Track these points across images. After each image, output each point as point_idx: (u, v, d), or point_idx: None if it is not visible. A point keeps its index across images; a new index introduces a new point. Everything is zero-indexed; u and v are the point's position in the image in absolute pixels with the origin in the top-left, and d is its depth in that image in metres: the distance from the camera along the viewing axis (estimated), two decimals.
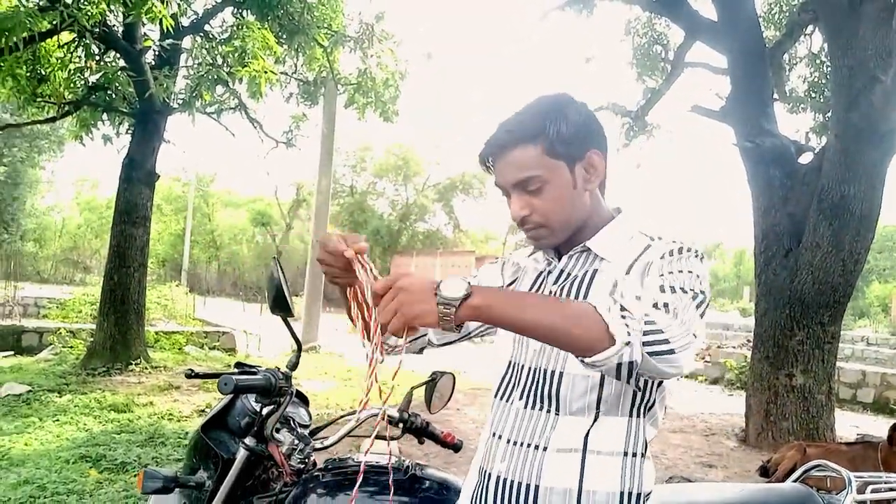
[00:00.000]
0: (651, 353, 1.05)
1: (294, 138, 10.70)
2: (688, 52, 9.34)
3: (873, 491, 1.92)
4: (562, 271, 1.35)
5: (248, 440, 1.79)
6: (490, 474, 1.29)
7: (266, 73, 7.50)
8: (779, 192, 6.57)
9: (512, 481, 1.24)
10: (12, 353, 9.79)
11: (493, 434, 1.32)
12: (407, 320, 1.04)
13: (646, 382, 1.24)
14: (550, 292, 1.33)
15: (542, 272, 1.41)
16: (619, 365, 1.04)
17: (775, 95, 8.19)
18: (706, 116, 7.62)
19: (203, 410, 6.75)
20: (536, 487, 1.21)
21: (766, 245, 6.61)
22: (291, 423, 1.91)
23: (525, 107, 1.31)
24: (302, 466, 1.85)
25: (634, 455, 1.24)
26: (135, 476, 4.67)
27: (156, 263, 31.58)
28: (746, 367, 9.51)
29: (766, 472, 5.38)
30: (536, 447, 1.24)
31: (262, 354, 11.77)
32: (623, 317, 1.06)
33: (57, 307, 13.48)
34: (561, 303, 1.15)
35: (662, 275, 1.19)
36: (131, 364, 8.48)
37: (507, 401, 1.32)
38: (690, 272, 1.20)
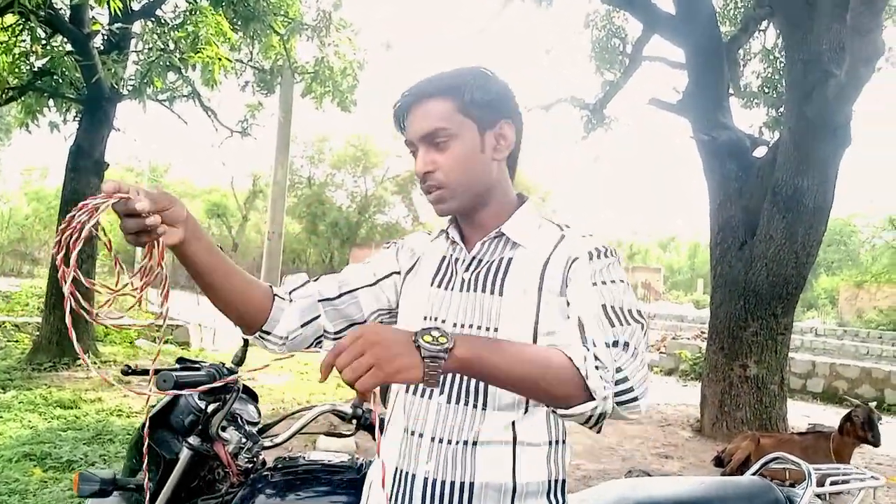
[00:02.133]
0: (619, 403, 1.07)
1: (249, 127, 10.49)
2: (646, 46, 9.38)
3: (832, 483, 1.91)
4: (474, 258, 1.29)
5: (192, 439, 1.71)
6: (414, 475, 1.20)
7: (220, 59, 7.30)
8: (734, 184, 6.65)
9: (443, 482, 1.17)
10: None
11: (411, 433, 1.23)
12: (386, 377, 0.93)
13: None
14: (463, 280, 1.26)
15: (445, 258, 1.34)
16: (590, 416, 1.05)
17: (731, 90, 8.28)
18: (664, 109, 7.67)
19: (153, 406, 6.58)
20: (471, 484, 1.16)
21: (722, 237, 6.68)
22: (239, 420, 1.84)
23: (432, 74, 1.28)
24: (250, 466, 1.77)
25: (558, 442, 1.23)
26: None
27: (107, 256, 30.80)
28: (701, 358, 9.65)
29: (721, 462, 5.46)
30: (466, 443, 1.18)
31: (218, 348, 11.54)
32: (597, 368, 1.05)
33: (2, 300, 13.04)
34: (538, 353, 1.08)
35: (596, 284, 1.17)
36: (78, 359, 8.21)
37: (423, 396, 1.23)
38: (623, 283, 1.20)
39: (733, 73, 9.06)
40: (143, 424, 1.72)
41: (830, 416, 8.06)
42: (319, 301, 1.35)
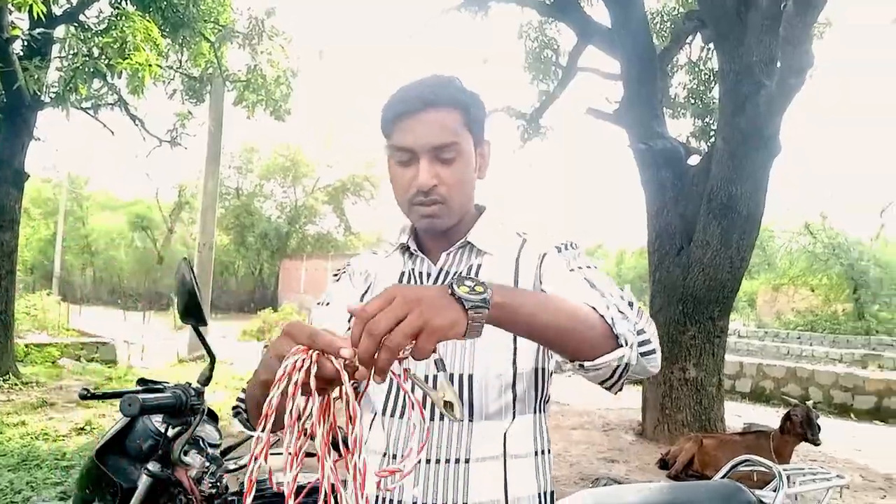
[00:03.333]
0: (641, 354, 1.04)
1: (179, 137, 10.18)
2: (580, 57, 9.53)
3: (801, 483, 1.93)
4: (441, 269, 1.24)
5: (152, 465, 1.60)
6: (400, 502, 1.12)
7: (150, 66, 7.04)
8: (670, 192, 6.80)
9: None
10: None
11: (393, 456, 1.14)
12: (439, 334, 0.82)
13: (546, 375, 1.21)
14: None
15: (406, 273, 1.27)
16: (617, 367, 1.00)
17: (662, 100, 8.49)
18: (601, 119, 7.79)
19: (82, 429, 6.26)
20: None
21: (660, 244, 6.82)
22: (200, 443, 1.73)
23: (433, 77, 1.21)
24: (214, 491, 1.67)
25: (544, 452, 1.19)
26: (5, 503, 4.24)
27: (23, 271, 29.42)
28: None
29: (665, 464, 5.54)
30: (457, 461, 1.11)
31: (147, 365, 11.11)
32: (621, 314, 1.02)
33: None
34: (564, 301, 1.01)
35: (574, 270, 1.16)
36: None
37: (401, 417, 1.15)
38: (597, 268, 1.19)
39: (663, 84, 9.30)
40: (104, 448, 1.61)
41: (761, 415, 8.33)
42: None
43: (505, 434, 1.13)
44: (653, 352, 1.06)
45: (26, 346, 9.86)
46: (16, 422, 6.37)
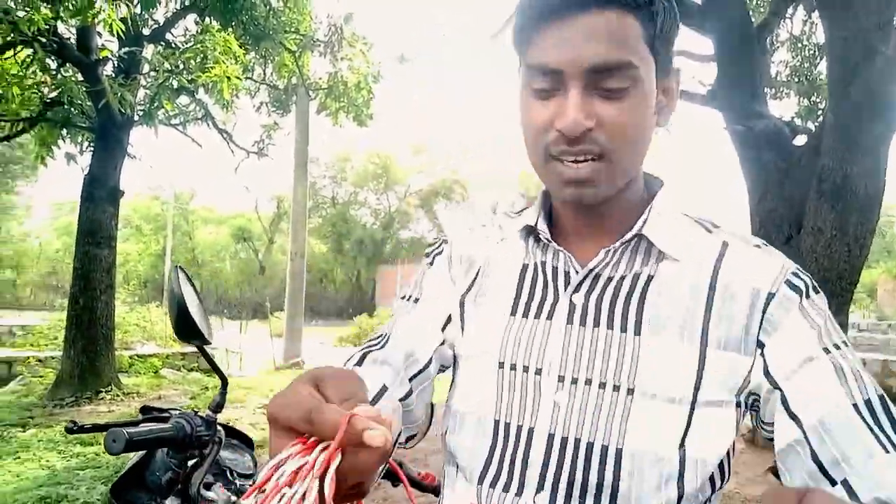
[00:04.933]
0: None
1: (266, 148, 10.33)
2: None
3: None
4: (591, 272, 0.83)
5: (171, 501, 1.40)
6: None
7: (229, 78, 7.10)
8: (774, 175, 6.25)
9: None
10: None
11: None
12: None
13: (732, 457, 0.82)
14: (572, 307, 0.82)
15: (530, 267, 0.88)
16: None
17: (762, 79, 7.91)
18: (693, 102, 7.32)
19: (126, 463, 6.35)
20: None
21: (764, 233, 6.28)
22: (228, 474, 1.53)
23: None
24: None
25: None
26: None
27: (137, 284, 31.08)
28: None
29: (777, 474, 5.07)
30: None
31: (245, 373, 11.34)
32: None
33: (29, 335, 12.99)
34: None
35: (830, 351, 0.74)
36: (101, 392, 8.02)
37: (506, 491, 0.80)
38: (848, 345, 0.77)
39: (763, 61, 8.69)
40: (119, 483, 1.44)
41: None
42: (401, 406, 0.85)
43: None
44: None
45: (130, 357, 10.22)
46: None
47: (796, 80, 10.14)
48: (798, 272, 0.80)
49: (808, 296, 0.78)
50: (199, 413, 1.31)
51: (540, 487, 0.77)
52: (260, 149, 10.17)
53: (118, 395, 8.09)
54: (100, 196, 8.19)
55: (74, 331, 8.15)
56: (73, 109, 8.06)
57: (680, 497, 0.76)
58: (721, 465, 0.78)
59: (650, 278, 0.81)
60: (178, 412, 1.32)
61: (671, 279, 0.81)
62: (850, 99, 5.28)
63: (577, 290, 0.83)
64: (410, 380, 0.86)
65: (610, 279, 0.82)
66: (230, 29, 8.08)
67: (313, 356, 13.59)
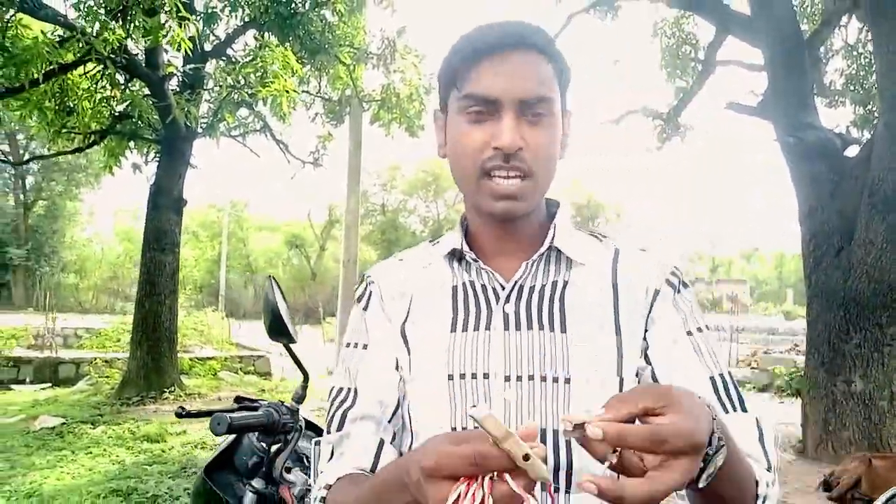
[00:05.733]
0: None
1: (321, 158, 10.64)
2: (719, 50, 9.05)
3: None
4: (516, 284, 0.94)
5: (256, 482, 1.60)
6: None
7: (287, 92, 7.40)
8: (825, 187, 6.24)
9: None
10: (49, 384, 9.82)
11: None
12: (689, 477, 0.63)
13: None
14: (505, 316, 0.93)
15: (459, 287, 0.98)
16: None
17: (814, 89, 7.87)
18: (743, 113, 7.34)
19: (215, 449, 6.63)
20: None
21: (815, 245, 6.27)
22: (304, 460, 1.72)
23: (517, 21, 0.93)
24: None
25: None
26: None
27: (193, 290, 31.94)
28: (797, 372, 9.12)
29: (829, 486, 5.05)
30: None
31: (297, 377, 11.66)
32: (769, 489, 0.83)
33: (95, 336, 13.56)
34: (744, 464, 0.80)
35: (691, 332, 0.92)
36: (165, 392, 8.41)
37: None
38: (709, 329, 0.95)
39: (815, 72, 8.63)
40: (211, 466, 1.64)
41: None
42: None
43: None
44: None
45: (190, 359, 10.63)
46: (178, 431, 6.85)
47: (851, 88, 10.02)
48: (675, 271, 0.96)
49: (679, 291, 0.94)
50: (284, 403, 1.51)
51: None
52: (315, 159, 10.49)
53: (180, 396, 8.46)
54: (165, 205, 8.60)
55: (140, 333, 8.56)
56: (140, 122, 8.48)
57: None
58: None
59: (566, 283, 0.94)
60: (266, 402, 1.52)
61: (582, 282, 0.94)
62: None
63: (507, 301, 0.93)
64: (389, 421, 0.95)
65: (532, 288, 0.94)
66: (287, 43, 8.41)
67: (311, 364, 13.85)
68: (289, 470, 1.64)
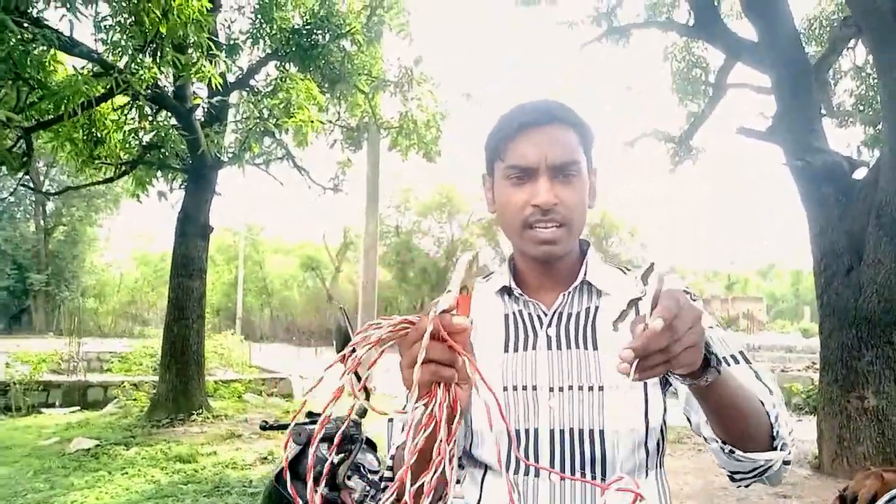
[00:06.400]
0: (783, 462, 1.02)
1: (340, 183, 10.91)
2: (730, 74, 9.26)
3: None
4: (556, 312, 1.15)
5: (321, 488, 1.81)
6: None
7: (311, 122, 7.68)
8: (834, 209, 6.42)
9: None
10: (79, 408, 10.06)
11: None
12: (697, 360, 0.82)
13: (666, 428, 1.14)
14: (548, 338, 1.13)
15: (511, 316, 1.18)
16: (759, 467, 1.00)
17: (823, 111, 8.06)
18: (752, 138, 7.52)
19: (265, 458, 6.82)
20: None
21: (826, 264, 6.44)
22: (361, 469, 1.93)
23: (546, 99, 1.17)
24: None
25: None
26: None
27: (210, 313, 32.18)
28: (813, 390, 9.22)
29: (844, 501, 5.17)
30: None
31: (318, 398, 11.83)
32: (784, 423, 1.00)
33: (119, 361, 13.80)
34: (749, 388, 0.99)
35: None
36: (193, 414, 8.63)
37: (526, 475, 1.07)
38: (720, 327, 1.15)
39: (824, 94, 8.82)
40: (280, 473, 1.85)
41: None
42: None
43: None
44: (789, 463, 1.03)
45: (215, 382, 10.85)
46: (208, 451, 7.06)
47: (860, 108, 10.17)
48: (686, 289, 1.13)
49: (692, 300, 1.10)
50: (350, 417, 1.73)
51: (552, 467, 1.06)
52: (335, 185, 10.75)
53: (208, 418, 8.68)
54: (192, 232, 8.88)
55: (169, 357, 8.81)
56: (167, 153, 8.77)
57: (647, 455, 1.09)
58: (662, 430, 1.12)
59: (597, 309, 1.14)
60: (334, 417, 1.74)
61: (610, 308, 1.13)
62: None
63: (549, 325, 1.14)
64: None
65: (570, 314, 1.15)
66: (308, 73, 8.70)
67: (382, 382, 14.04)
68: (349, 477, 1.85)
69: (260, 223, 41.66)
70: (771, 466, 1.00)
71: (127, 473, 6.19)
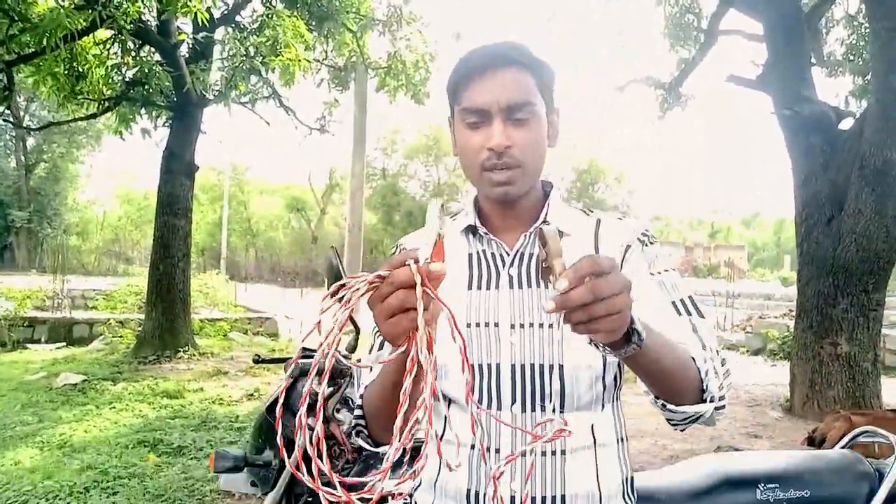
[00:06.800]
0: (715, 408, 1.06)
1: (327, 124, 10.81)
2: (722, 20, 9.16)
3: None
4: (517, 252, 1.17)
5: (311, 420, 1.88)
6: (500, 497, 1.08)
7: (299, 61, 7.57)
8: (819, 159, 6.48)
9: (533, 498, 1.07)
10: (64, 344, 10.13)
11: (487, 449, 1.10)
12: (619, 330, 0.83)
13: (621, 365, 1.17)
14: (510, 277, 1.15)
15: (475, 255, 1.21)
16: (690, 416, 1.04)
17: (813, 60, 8.03)
18: (743, 86, 7.51)
19: (251, 395, 6.94)
20: (563, 497, 1.08)
21: (808, 213, 6.53)
22: (350, 402, 2.00)
23: (503, 41, 1.17)
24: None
25: (625, 439, 1.19)
26: (192, 459, 4.85)
27: (195, 252, 32.15)
28: (789, 337, 9.43)
29: (812, 441, 5.37)
30: (553, 453, 1.09)
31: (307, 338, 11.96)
32: (715, 374, 1.05)
33: (104, 299, 13.84)
34: (677, 348, 1.02)
35: (654, 274, 1.16)
36: (180, 352, 8.71)
37: (489, 408, 1.10)
38: (675, 270, 1.18)
39: (815, 43, 8.77)
40: (272, 405, 1.92)
41: None
42: None
43: (592, 425, 1.12)
44: (723, 408, 1.08)
45: (201, 321, 10.93)
46: (195, 388, 7.17)
47: (851, 58, 10.11)
48: (645, 231, 1.20)
49: (647, 245, 1.18)
50: (340, 352, 1.78)
51: (512, 401, 1.10)
52: (322, 125, 10.65)
53: (194, 355, 8.78)
54: (177, 170, 8.82)
55: (155, 295, 8.84)
56: (151, 89, 8.63)
57: (604, 389, 1.13)
58: (620, 365, 1.16)
59: (561, 234, 1.13)
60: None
61: (570, 248, 1.09)
62: (892, 87, 5.49)
63: (511, 265, 1.17)
64: None
65: (531, 255, 1.17)
66: (296, 10, 8.54)
67: (369, 323, 14.19)
68: (338, 410, 1.91)
69: (245, 163, 41.26)
70: (702, 415, 1.04)
71: (115, 408, 6.29)
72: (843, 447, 2.11)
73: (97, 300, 13.96)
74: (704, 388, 1.03)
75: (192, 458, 4.87)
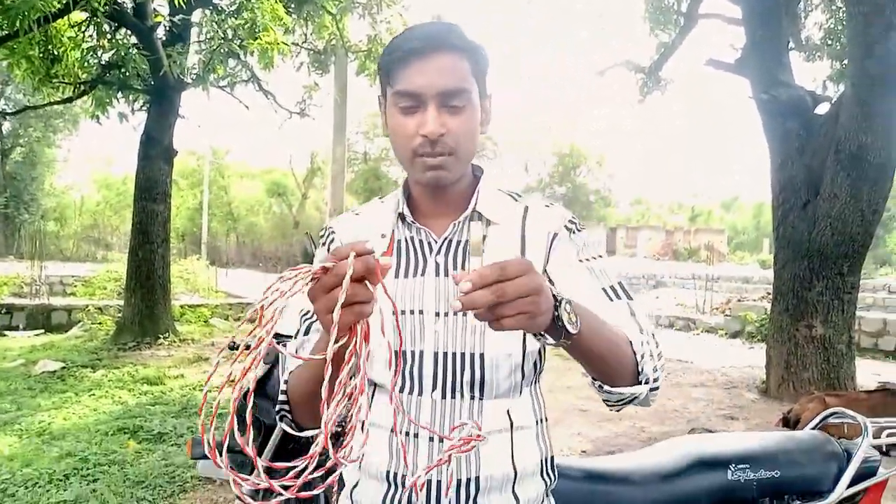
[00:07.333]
0: (650, 389, 1.08)
1: (307, 108, 10.72)
2: (702, 3, 9.20)
3: (889, 435, 1.98)
4: (446, 239, 1.18)
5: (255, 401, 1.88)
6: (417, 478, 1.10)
7: (277, 44, 7.50)
8: (795, 143, 6.54)
9: (448, 481, 1.11)
10: (42, 331, 10.04)
11: (405, 433, 1.12)
12: (529, 328, 0.86)
13: (546, 350, 1.19)
14: (437, 265, 1.16)
15: (403, 241, 1.20)
16: (627, 397, 1.06)
17: (791, 45, 8.09)
18: (722, 70, 7.55)
19: (233, 381, 6.91)
20: (477, 479, 1.11)
21: (784, 197, 6.60)
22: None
23: (438, 22, 1.16)
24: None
25: (544, 420, 1.21)
26: (172, 445, 4.84)
27: (175, 238, 31.88)
28: (766, 319, 9.55)
29: (787, 422, 5.45)
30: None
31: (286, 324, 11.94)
32: (651, 357, 1.07)
33: (83, 285, 13.70)
34: (612, 332, 1.04)
35: (582, 261, 1.16)
36: (160, 338, 8.67)
37: (411, 394, 1.13)
38: (603, 256, 1.19)
39: (794, 27, 8.83)
40: (246, 393, 1.92)
41: None
42: None
43: (508, 410, 1.14)
44: (657, 389, 1.09)
45: (181, 306, 10.87)
46: (176, 374, 7.15)
47: (828, 42, 10.19)
48: (572, 219, 1.21)
49: (574, 232, 1.19)
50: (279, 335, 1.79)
51: (433, 387, 1.12)
52: (302, 109, 10.57)
53: (174, 341, 8.74)
54: (155, 154, 8.72)
55: (134, 281, 8.77)
56: (128, 72, 8.50)
57: (522, 377, 1.15)
58: (541, 353, 1.18)
59: (484, 238, 1.15)
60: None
61: (497, 237, 1.17)
62: (867, 72, 5.54)
63: (438, 253, 1.17)
64: None
65: (458, 242, 1.18)
66: None
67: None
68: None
69: (225, 147, 40.82)
70: (637, 396, 1.06)
71: (94, 395, 6.25)
72: (813, 428, 2.15)
73: (76, 286, 13.82)
74: (640, 370, 1.05)
75: (172, 445, 4.86)
